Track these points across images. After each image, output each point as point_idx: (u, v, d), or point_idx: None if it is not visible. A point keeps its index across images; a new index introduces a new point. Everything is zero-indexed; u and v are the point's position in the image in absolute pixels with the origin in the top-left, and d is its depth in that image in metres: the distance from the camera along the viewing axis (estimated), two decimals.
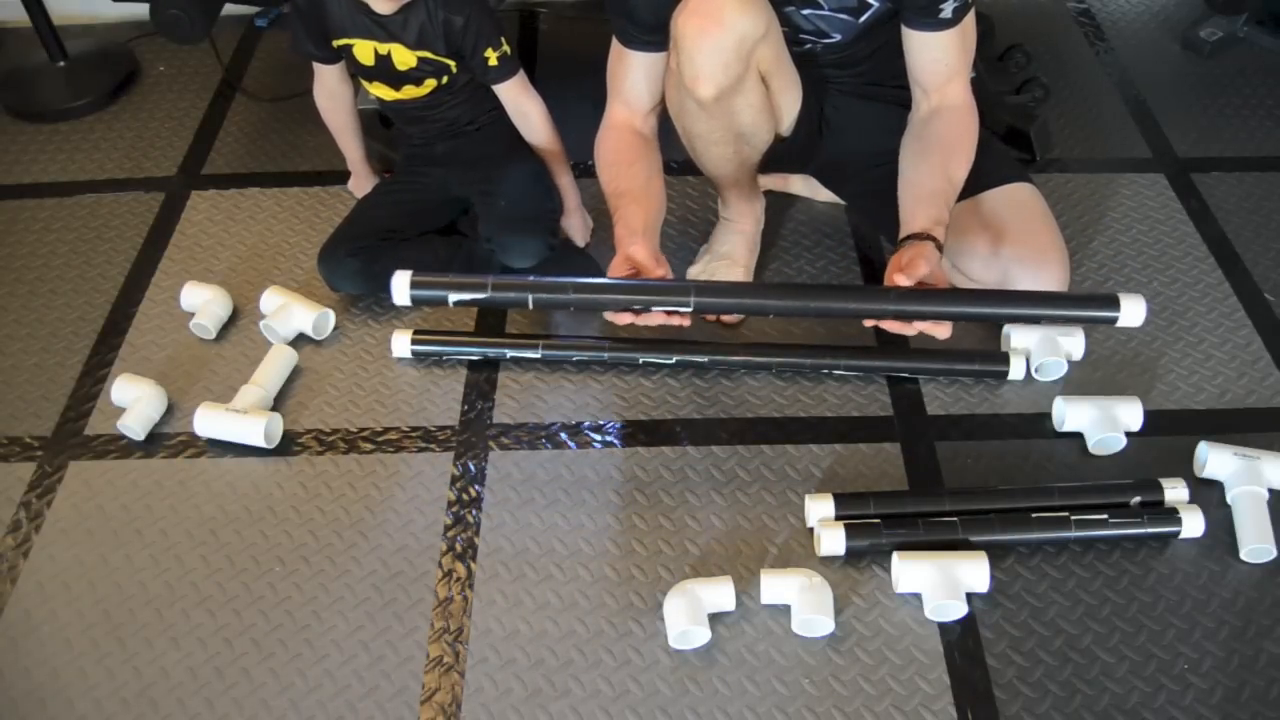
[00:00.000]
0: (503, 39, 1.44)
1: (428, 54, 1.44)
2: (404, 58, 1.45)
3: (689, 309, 1.17)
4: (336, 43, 1.47)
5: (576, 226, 1.59)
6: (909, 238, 1.21)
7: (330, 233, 1.55)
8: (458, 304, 1.19)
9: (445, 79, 1.49)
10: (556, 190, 1.57)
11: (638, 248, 1.21)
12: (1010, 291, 1.31)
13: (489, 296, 1.18)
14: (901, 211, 1.26)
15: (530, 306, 1.20)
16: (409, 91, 1.50)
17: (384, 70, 1.47)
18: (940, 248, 1.20)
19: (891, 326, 1.18)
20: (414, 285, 1.17)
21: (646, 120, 1.37)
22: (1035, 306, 1.22)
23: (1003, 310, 1.24)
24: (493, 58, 1.44)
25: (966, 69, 1.31)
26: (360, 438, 1.39)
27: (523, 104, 1.51)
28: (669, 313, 1.18)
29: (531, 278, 1.21)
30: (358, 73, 1.52)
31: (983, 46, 1.72)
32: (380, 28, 1.42)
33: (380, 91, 1.52)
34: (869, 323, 1.20)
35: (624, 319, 1.19)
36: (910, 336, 1.21)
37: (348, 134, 1.65)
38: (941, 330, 1.18)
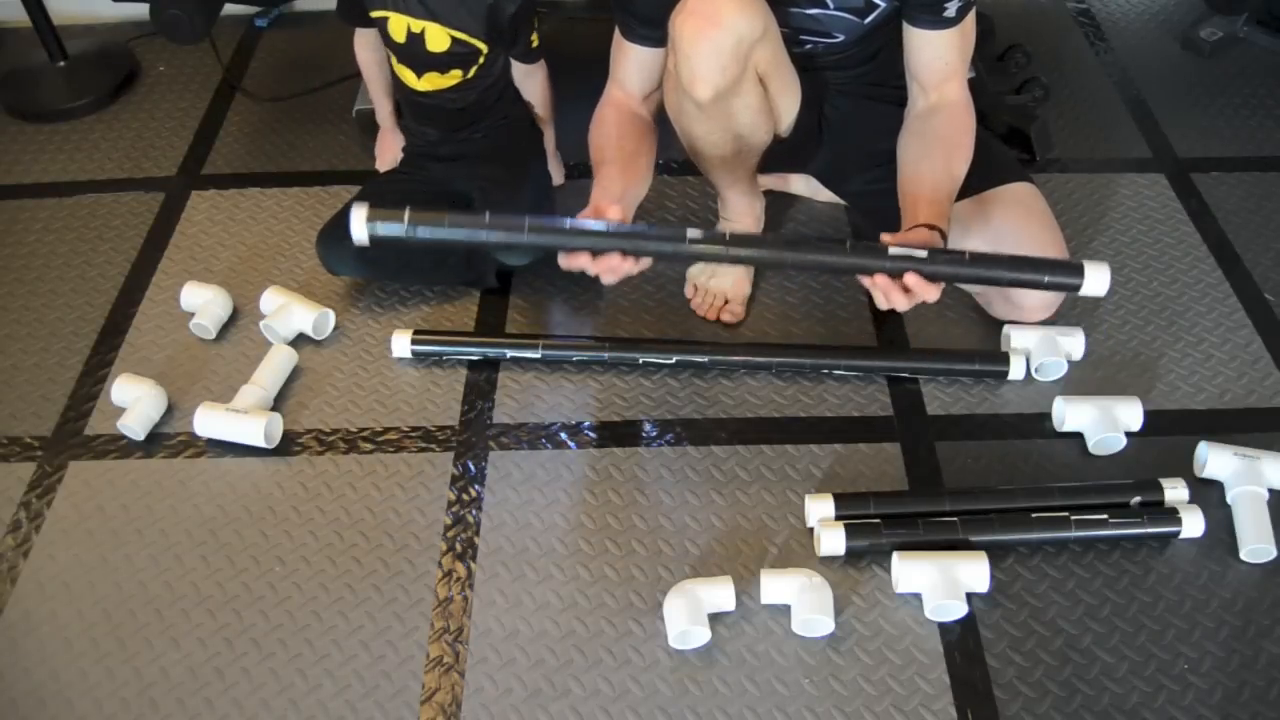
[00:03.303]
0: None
1: (462, 35, 1.46)
2: (437, 37, 1.46)
3: (639, 251, 1.16)
4: (373, 14, 1.50)
5: (553, 168, 1.68)
6: (915, 228, 1.20)
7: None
8: (412, 238, 1.17)
9: (472, 71, 1.50)
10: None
11: (614, 209, 1.17)
12: (983, 255, 1.25)
13: (448, 231, 1.17)
14: (904, 207, 1.26)
15: (485, 236, 1.17)
16: (432, 80, 1.51)
17: (413, 51, 1.49)
18: (945, 238, 1.20)
19: (887, 293, 1.15)
20: (370, 219, 1.15)
21: (643, 105, 1.38)
22: (1005, 270, 1.19)
23: (972, 271, 1.19)
24: (535, 40, 1.52)
25: (965, 68, 1.32)
26: (360, 438, 1.39)
27: (534, 72, 1.58)
28: (625, 253, 1.16)
29: (488, 215, 1.19)
30: (389, 50, 1.54)
31: (983, 46, 1.72)
32: (418, 3, 1.44)
33: (405, 76, 1.54)
34: (867, 283, 1.16)
35: (580, 260, 1.16)
36: (905, 313, 1.18)
37: (382, 88, 1.69)
38: (930, 292, 1.14)
